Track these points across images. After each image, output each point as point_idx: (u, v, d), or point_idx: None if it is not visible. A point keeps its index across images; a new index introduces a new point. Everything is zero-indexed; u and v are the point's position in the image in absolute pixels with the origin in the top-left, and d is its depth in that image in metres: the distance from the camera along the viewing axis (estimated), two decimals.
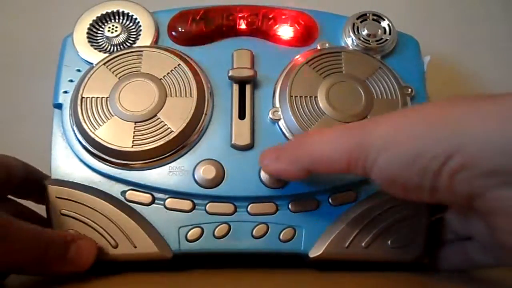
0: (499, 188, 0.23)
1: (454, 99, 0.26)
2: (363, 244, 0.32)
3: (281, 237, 0.33)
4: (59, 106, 0.36)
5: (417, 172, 0.25)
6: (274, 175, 0.32)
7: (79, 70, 0.36)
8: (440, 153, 0.24)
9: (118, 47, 0.37)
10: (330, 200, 0.34)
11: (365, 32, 0.37)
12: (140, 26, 0.38)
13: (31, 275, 0.31)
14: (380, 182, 0.27)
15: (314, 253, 0.32)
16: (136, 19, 0.38)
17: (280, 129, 0.35)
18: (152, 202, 0.33)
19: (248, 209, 0.33)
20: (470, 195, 0.24)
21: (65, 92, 0.36)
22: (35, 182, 0.35)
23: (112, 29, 0.37)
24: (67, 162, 0.35)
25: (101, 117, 0.34)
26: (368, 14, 0.38)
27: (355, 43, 0.37)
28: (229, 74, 0.35)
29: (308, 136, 0.30)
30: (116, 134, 0.33)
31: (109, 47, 0.37)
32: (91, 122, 0.34)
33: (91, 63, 0.36)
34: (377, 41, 0.37)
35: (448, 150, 0.24)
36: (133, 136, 0.33)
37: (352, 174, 0.28)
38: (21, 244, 0.28)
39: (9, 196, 0.35)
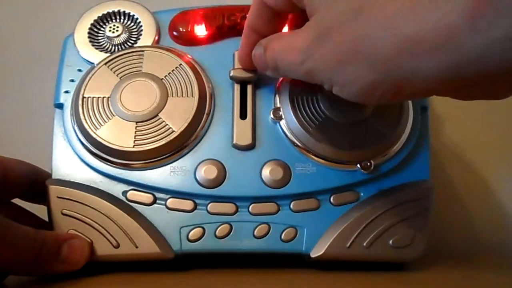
0: None
1: None
2: (364, 244, 0.33)
3: (282, 237, 0.33)
4: (60, 106, 0.36)
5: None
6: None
7: (80, 70, 0.36)
8: None
9: (119, 47, 0.37)
10: (331, 200, 0.34)
11: None
12: (141, 26, 0.38)
13: (25, 275, 0.31)
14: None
15: (315, 253, 0.32)
16: (137, 19, 0.38)
17: (282, 129, 0.35)
18: (154, 202, 0.33)
19: (250, 209, 0.33)
20: None
21: (66, 92, 0.36)
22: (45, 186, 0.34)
23: (113, 29, 0.37)
24: (68, 162, 0.34)
25: (102, 117, 0.34)
26: None
27: None
28: (231, 74, 0.35)
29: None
30: (117, 134, 0.33)
31: (110, 47, 0.37)
32: (92, 122, 0.34)
33: (92, 63, 0.36)
34: None
35: None
36: (135, 136, 0.33)
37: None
38: (17, 246, 0.28)
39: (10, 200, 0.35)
